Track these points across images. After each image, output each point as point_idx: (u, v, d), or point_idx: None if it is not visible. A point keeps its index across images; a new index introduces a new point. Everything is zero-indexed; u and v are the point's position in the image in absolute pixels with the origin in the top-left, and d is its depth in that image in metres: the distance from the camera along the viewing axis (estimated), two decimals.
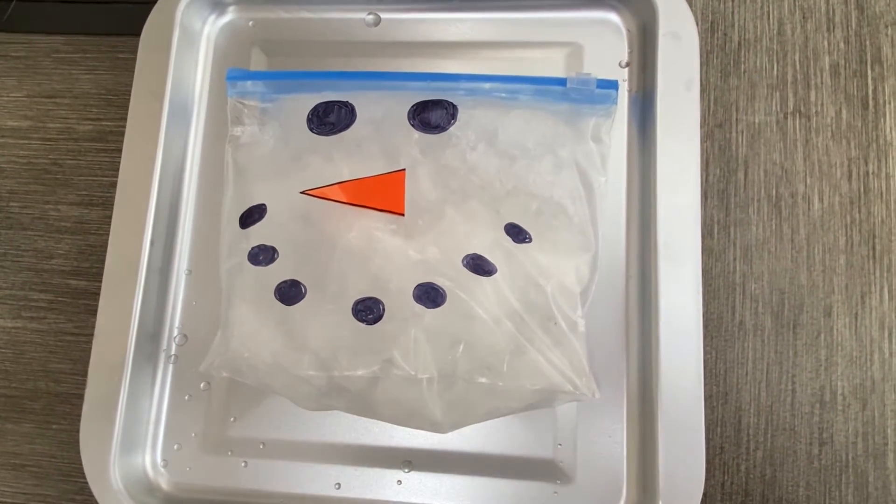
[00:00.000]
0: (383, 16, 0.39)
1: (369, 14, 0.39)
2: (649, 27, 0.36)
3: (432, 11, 0.39)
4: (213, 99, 0.39)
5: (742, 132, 0.37)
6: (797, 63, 0.38)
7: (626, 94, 0.37)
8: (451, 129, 0.33)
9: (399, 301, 0.31)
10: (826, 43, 0.38)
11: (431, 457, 0.34)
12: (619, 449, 0.34)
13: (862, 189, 0.36)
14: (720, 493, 0.35)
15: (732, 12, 0.39)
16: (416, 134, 0.33)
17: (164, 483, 0.35)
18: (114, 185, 0.36)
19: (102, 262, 0.35)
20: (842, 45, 0.38)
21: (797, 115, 0.37)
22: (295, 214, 0.33)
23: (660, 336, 0.32)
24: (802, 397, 0.35)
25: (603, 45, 0.37)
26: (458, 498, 0.34)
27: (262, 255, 0.32)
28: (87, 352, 0.34)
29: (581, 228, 0.33)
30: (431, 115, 0.33)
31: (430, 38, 0.39)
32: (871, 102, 0.37)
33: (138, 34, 0.37)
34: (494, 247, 0.32)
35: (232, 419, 0.35)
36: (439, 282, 0.31)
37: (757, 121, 0.37)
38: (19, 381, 0.39)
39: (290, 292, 0.32)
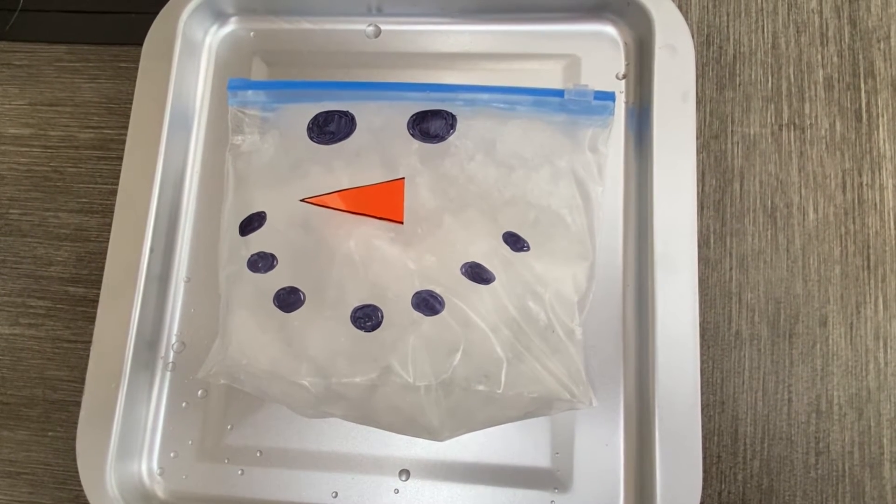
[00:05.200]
0: (384, 27, 0.39)
1: (370, 25, 0.39)
2: (646, 40, 0.36)
3: (432, 23, 0.39)
4: (214, 108, 0.39)
5: (737, 143, 0.38)
6: (791, 76, 0.38)
7: (623, 105, 0.37)
8: (450, 138, 0.33)
9: (397, 308, 0.31)
10: (820, 56, 0.39)
11: (429, 466, 0.34)
12: (616, 458, 0.34)
13: (856, 200, 0.37)
14: (717, 502, 0.35)
15: (728, 26, 0.39)
16: (416, 143, 0.33)
17: (160, 491, 0.35)
18: (114, 192, 0.36)
19: (101, 269, 0.35)
20: (835, 58, 0.38)
21: (792, 127, 0.38)
22: (294, 222, 0.33)
23: (656, 345, 0.32)
24: (799, 407, 0.35)
25: (600, 58, 0.38)
26: None
27: (262, 263, 0.33)
28: (85, 359, 0.34)
29: (578, 237, 0.33)
30: (431, 125, 0.34)
31: (429, 50, 0.39)
32: (864, 115, 0.38)
33: (140, 44, 0.38)
34: (492, 255, 0.32)
35: (229, 427, 0.35)
36: (437, 290, 0.31)
37: (752, 132, 0.38)
38: (16, 388, 0.39)
39: (288, 299, 0.32)
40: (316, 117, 0.34)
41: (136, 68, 0.37)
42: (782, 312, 0.36)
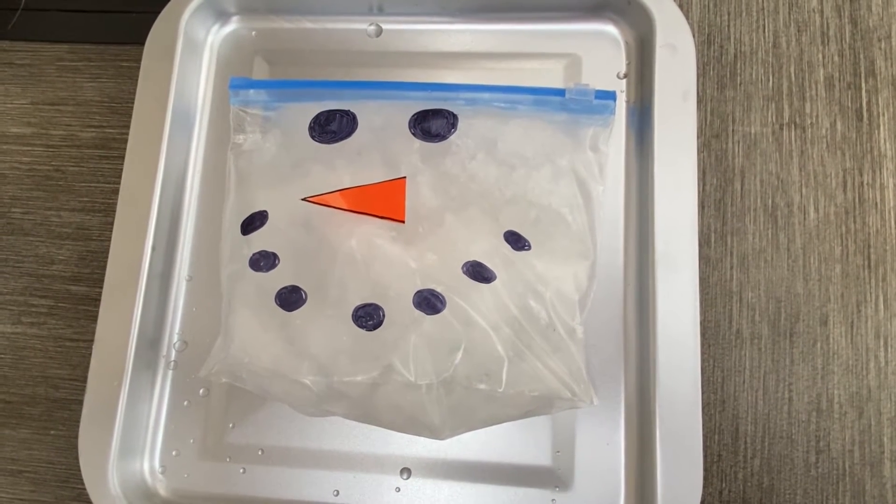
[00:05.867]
0: (385, 26, 0.39)
1: (371, 25, 0.39)
2: (647, 39, 0.37)
3: (433, 23, 0.39)
4: (216, 107, 0.39)
5: (738, 143, 0.38)
6: (792, 75, 0.38)
7: (624, 104, 0.37)
8: (452, 137, 0.33)
9: (399, 307, 0.31)
10: (821, 56, 0.39)
11: (430, 464, 0.34)
12: (617, 456, 0.34)
13: (857, 199, 0.37)
14: (718, 500, 0.35)
15: (728, 25, 0.39)
16: (417, 142, 0.33)
17: (162, 489, 0.35)
18: (115, 191, 0.36)
19: (103, 268, 0.35)
20: (836, 57, 0.38)
21: (792, 126, 0.38)
22: (296, 221, 0.33)
23: (657, 344, 0.32)
24: (799, 405, 0.35)
25: (601, 57, 0.38)
26: None
27: (263, 262, 0.33)
28: (87, 358, 0.34)
29: (579, 236, 0.33)
30: (432, 124, 0.34)
31: (431, 49, 0.39)
32: (865, 114, 0.38)
33: (142, 43, 0.38)
34: (493, 254, 0.32)
35: (231, 425, 0.35)
36: (439, 288, 0.31)
37: (753, 132, 0.38)
38: (18, 386, 0.39)
39: (290, 298, 0.32)
40: (317, 116, 0.34)
41: (138, 67, 0.37)
42: (783, 311, 0.36)
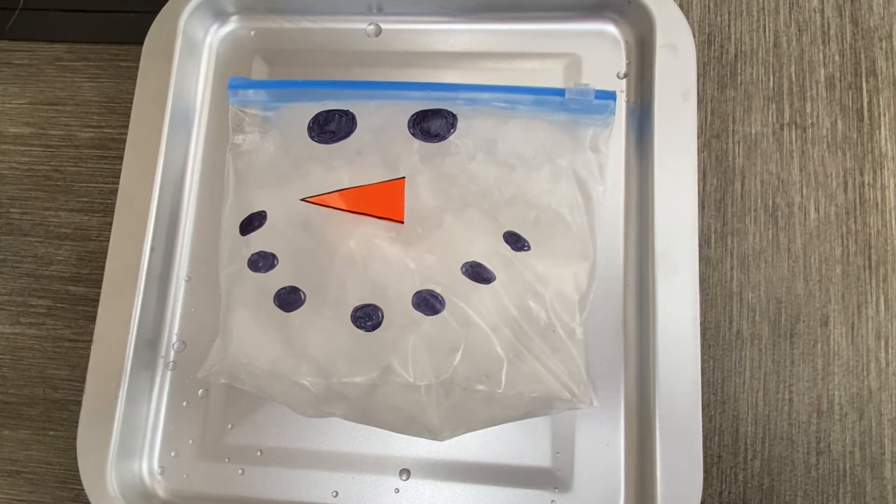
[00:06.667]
0: (384, 26, 0.39)
1: (370, 24, 0.39)
2: (647, 39, 0.36)
3: (433, 22, 0.39)
4: (215, 107, 0.39)
5: (739, 143, 0.38)
6: (793, 75, 0.38)
7: (624, 104, 0.37)
8: (451, 137, 0.33)
9: (398, 308, 0.31)
10: (821, 55, 0.38)
11: (429, 465, 0.34)
12: (617, 457, 0.34)
13: (857, 200, 0.37)
14: (718, 502, 0.35)
15: (729, 25, 0.39)
16: (416, 142, 0.33)
17: (160, 490, 0.35)
18: (114, 192, 0.36)
19: (102, 268, 0.35)
20: (837, 57, 0.38)
21: (793, 126, 0.38)
22: (295, 221, 0.33)
23: (657, 344, 0.32)
24: (800, 406, 0.35)
25: (601, 57, 0.38)
26: None
27: (262, 262, 0.33)
28: (86, 358, 0.34)
29: (579, 237, 0.33)
30: (431, 124, 0.34)
31: (430, 49, 0.39)
32: (866, 114, 0.38)
33: (141, 43, 0.38)
34: (493, 255, 0.32)
35: (229, 426, 0.35)
36: (438, 289, 0.31)
37: (753, 132, 0.38)
38: (17, 387, 0.39)
39: (289, 299, 0.32)
40: (316, 116, 0.34)
41: (137, 67, 0.37)
42: (783, 312, 0.36)
